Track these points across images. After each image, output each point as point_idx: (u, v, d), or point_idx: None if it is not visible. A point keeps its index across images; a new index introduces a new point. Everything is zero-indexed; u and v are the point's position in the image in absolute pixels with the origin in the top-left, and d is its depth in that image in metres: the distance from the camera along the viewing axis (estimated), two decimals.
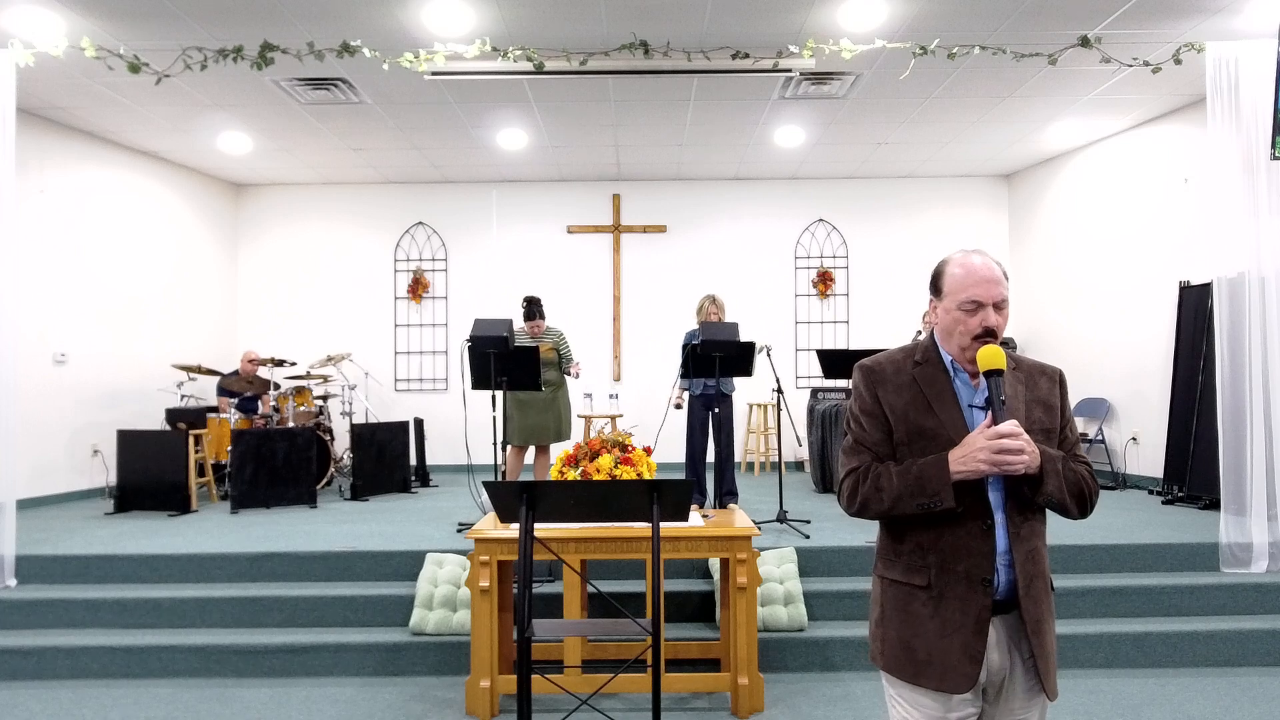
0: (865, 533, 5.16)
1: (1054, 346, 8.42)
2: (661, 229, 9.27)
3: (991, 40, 5.38)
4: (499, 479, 5.05)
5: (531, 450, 6.37)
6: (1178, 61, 5.21)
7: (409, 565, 4.77)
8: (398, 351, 9.29)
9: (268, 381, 7.48)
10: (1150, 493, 6.97)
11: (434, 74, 5.32)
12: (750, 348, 5.54)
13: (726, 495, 5.93)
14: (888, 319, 9.14)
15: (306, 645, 4.24)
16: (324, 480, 7.45)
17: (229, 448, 6.58)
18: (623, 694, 3.89)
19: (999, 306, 1.78)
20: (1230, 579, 4.59)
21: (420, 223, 9.32)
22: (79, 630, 4.44)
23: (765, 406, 8.70)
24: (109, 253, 7.61)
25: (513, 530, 3.64)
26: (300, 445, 6.64)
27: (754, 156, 8.32)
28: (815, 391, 7.66)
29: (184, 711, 3.78)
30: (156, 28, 5.13)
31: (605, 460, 3.77)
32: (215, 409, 7.52)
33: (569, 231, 9.29)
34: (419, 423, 8.37)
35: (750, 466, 8.86)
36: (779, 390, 5.82)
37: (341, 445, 8.36)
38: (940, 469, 1.74)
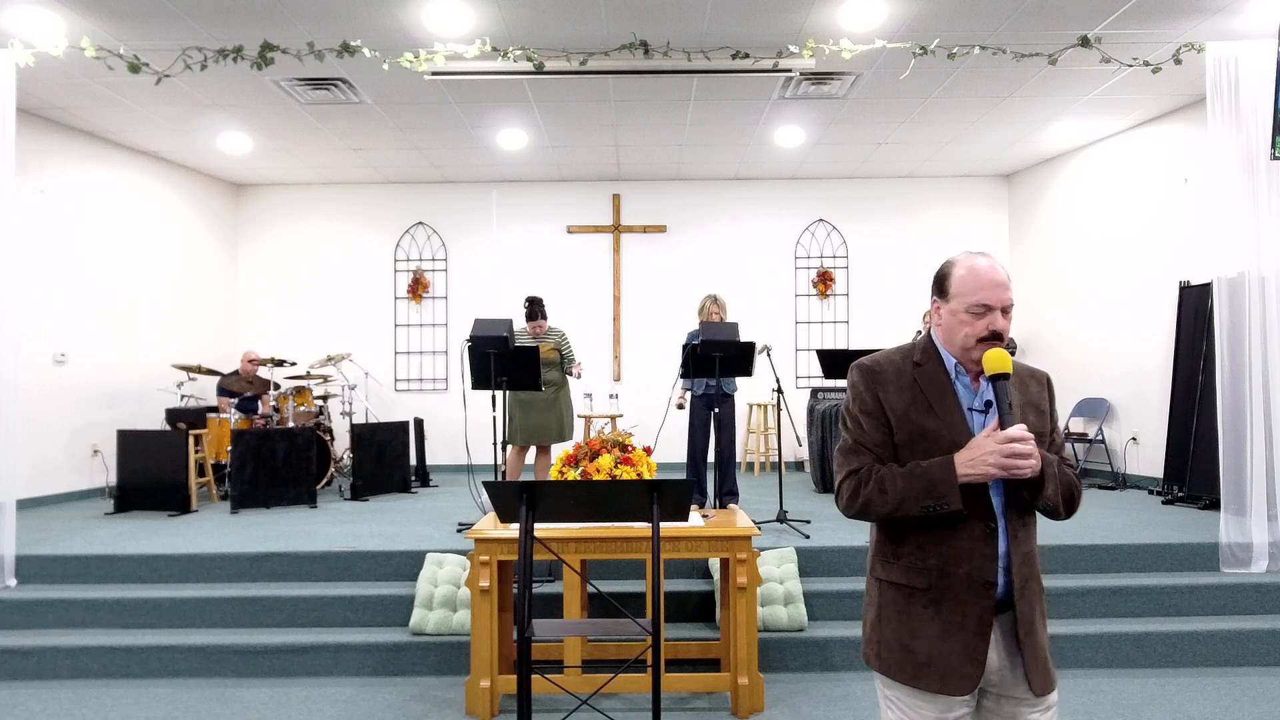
0: (865, 533, 5.15)
1: (1054, 346, 8.42)
2: (661, 229, 9.27)
3: (991, 40, 5.38)
4: (499, 479, 5.05)
5: (532, 450, 6.37)
6: (1178, 61, 5.21)
7: (409, 565, 4.77)
8: (398, 351, 9.29)
9: (268, 381, 7.48)
10: (1150, 493, 6.97)
11: (434, 74, 5.32)
12: (750, 348, 5.54)
13: (727, 495, 5.92)
14: (888, 319, 9.14)
15: (306, 645, 4.24)
16: (324, 480, 7.45)
17: (229, 448, 6.58)
18: (623, 694, 3.89)
19: (1005, 311, 1.79)
20: (1230, 579, 4.59)
21: (420, 223, 9.32)
22: (79, 630, 4.44)
23: (765, 406, 8.70)
24: (109, 253, 7.61)
25: (513, 530, 3.64)
26: (300, 445, 6.64)
27: (754, 156, 8.32)
28: (815, 391, 7.66)
29: (184, 711, 3.78)
30: (156, 28, 5.13)
31: (605, 460, 3.77)
32: (215, 409, 7.52)
33: (569, 231, 9.29)
34: (419, 423, 8.37)
35: (750, 466, 8.86)
36: (779, 390, 5.82)
37: (341, 445, 8.36)
38: (947, 471, 1.73)
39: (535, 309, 6.14)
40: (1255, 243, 4.88)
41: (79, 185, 7.29)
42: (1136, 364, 7.39)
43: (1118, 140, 7.60)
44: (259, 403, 7.79)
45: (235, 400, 7.55)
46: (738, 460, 8.53)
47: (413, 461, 7.94)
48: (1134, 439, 7.42)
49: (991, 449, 1.70)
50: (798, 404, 8.70)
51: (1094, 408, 7.78)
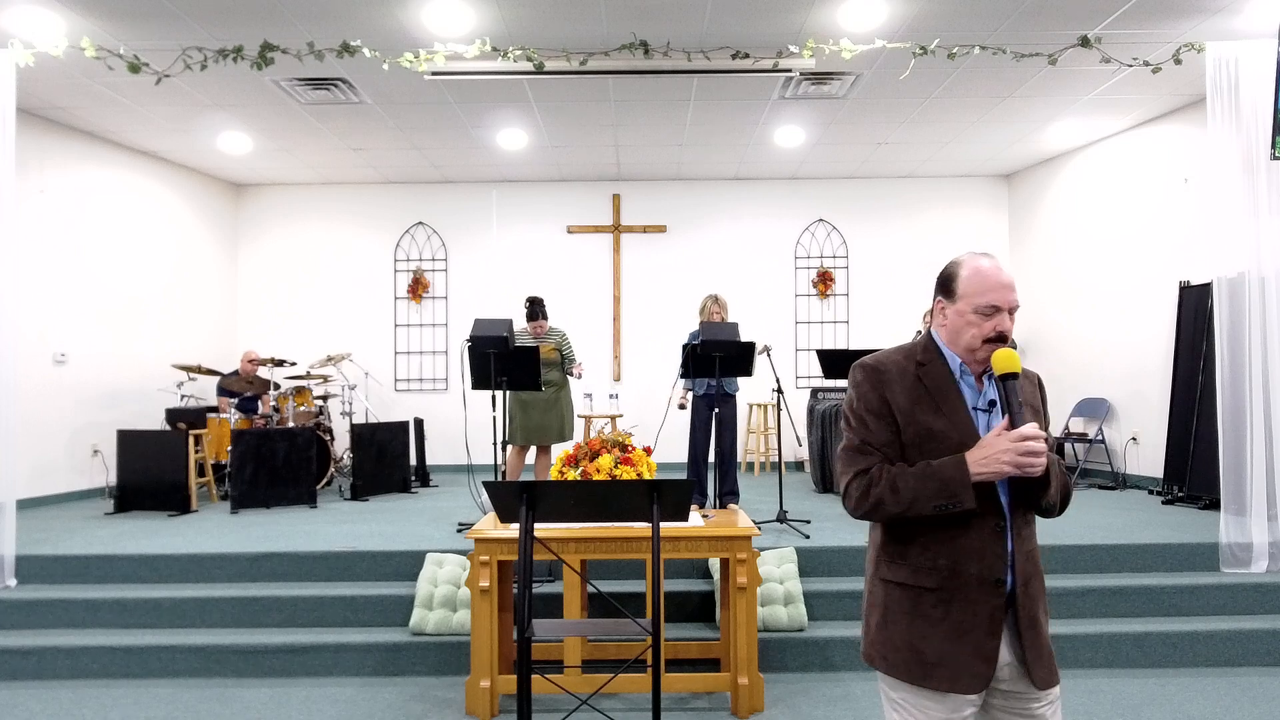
0: (865, 533, 5.15)
1: (1054, 346, 8.42)
2: (661, 229, 9.27)
3: (991, 40, 5.38)
4: (499, 479, 5.05)
5: (532, 450, 6.37)
6: (1178, 61, 5.21)
7: (409, 565, 4.77)
8: (398, 351, 9.29)
9: (268, 381, 7.48)
10: (1150, 493, 6.97)
11: (434, 74, 5.32)
12: (750, 348, 5.54)
13: (727, 495, 5.92)
14: (888, 319, 9.14)
15: (306, 645, 4.24)
16: (324, 480, 7.45)
17: (229, 448, 6.58)
18: (623, 694, 3.89)
19: (1011, 312, 1.82)
20: (1230, 579, 4.59)
21: (420, 223, 9.32)
22: (79, 630, 4.44)
23: (765, 406, 8.70)
24: (109, 253, 7.61)
25: (513, 530, 3.64)
26: (300, 445, 6.64)
27: (754, 156, 8.32)
28: (815, 391, 7.66)
29: (184, 711, 3.78)
30: (156, 28, 5.13)
31: (605, 460, 3.77)
32: (215, 409, 7.52)
33: (569, 231, 9.29)
34: (419, 423, 8.37)
35: (750, 466, 8.86)
36: (779, 390, 5.82)
37: (341, 445, 8.36)
38: (960, 470, 1.74)
39: (536, 309, 6.14)
40: (1255, 243, 4.88)
41: (79, 185, 7.29)
42: (1136, 364, 7.39)
43: (1118, 140, 7.60)
44: (259, 403, 7.79)
45: (235, 400, 7.55)
46: (738, 460, 8.54)
47: (413, 461, 7.94)
48: (1134, 439, 7.42)
49: (1005, 447, 1.71)
50: (798, 404, 8.70)
51: (1094, 408, 7.78)
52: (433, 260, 9.31)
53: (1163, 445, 6.84)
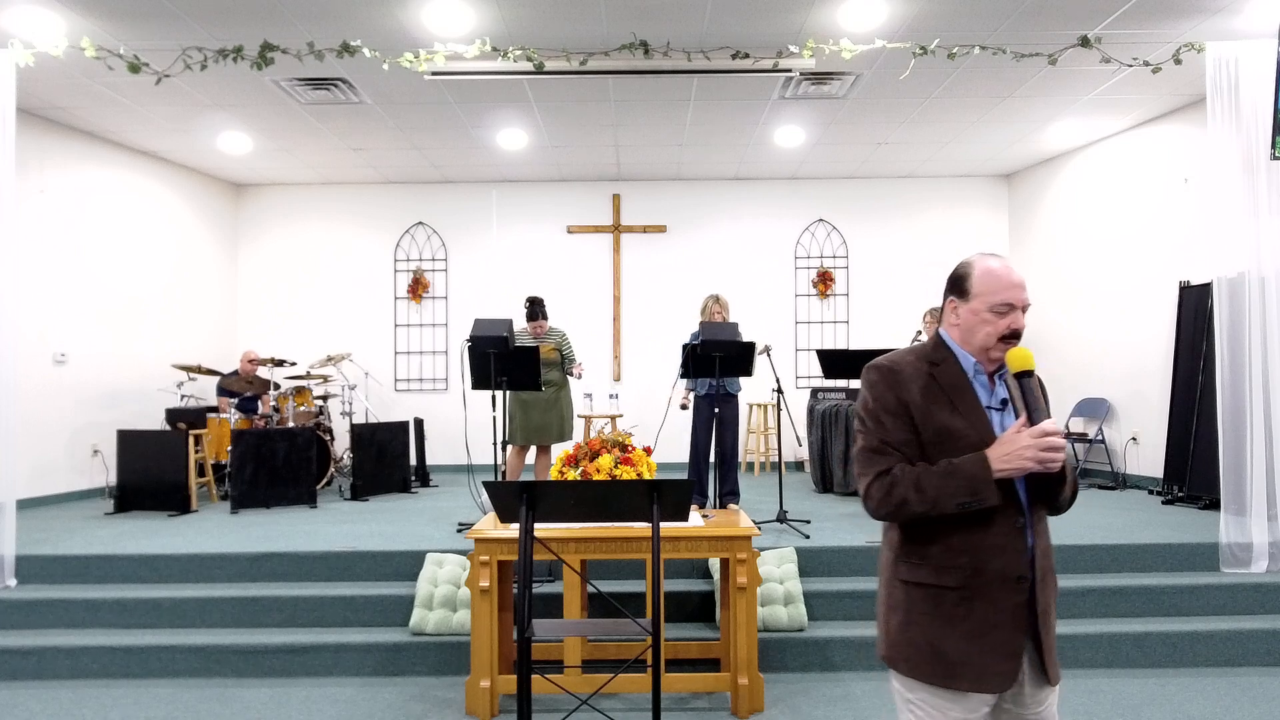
0: (865, 533, 5.16)
1: (1054, 346, 8.42)
2: (661, 229, 9.27)
3: (991, 40, 5.38)
4: (499, 479, 5.05)
5: (532, 450, 6.37)
6: (1178, 61, 5.21)
7: (409, 565, 4.77)
8: (398, 351, 9.29)
9: (268, 381, 7.48)
10: (1150, 493, 6.97)
11: (434, 74, 5.32)
12: (750, 348, 5.54)
13: (728, 495, 5.92)
14: (888, 319, 9.14)
15: (306, 645, 4.24)
16: (324, 480, 7.45)
17: (229, 448, 6.58)
18: (623, 694, 3.89)
19: (1024, 310, 1.85)
20: (1230, 579, 4.59)
21: (420, 223, 9.32)
22: (79, 630, 4.44)
23: (765, 406, 8.71)
24: (109, 253, 7.61)
25: (513, 530, 3.64)
26: (300, 445, 6.64)
27: (754, 156, 8.32)
28: (815, 391, 7.66)
29: (184, 711, 3.78)
30: (156, 28, 5.13)
31: (605, 460, 3.77)
32: (215, 409, 7.52)
33: (569, 231, 9.29)
34: (419, 423, 8.37)
35: (750, 466, 8.86)
36: (779, 390, 5.82)
37: (341, 445, 8.36)
38: (983, 467, 1.75)
39: (536, 309, 6.14)
40: (1255, 243, 4.88)
41: (79, 185, 7.29)
42: (1136, 364, 7.39)
43: (1118, 140, 7.60)
44: (259, 403, 7.78)
45: (235, 400, 7.55)
46: (738, 460, 8.54)
47: (413, 461, 7.94)
48: (1134, 439, 7.43)
49: (1027, 443, 1.73)
50: (798, 404, 8.69)
51: (1094, 408, 7.78)
52: (433, 260, 9.31)
53: (1163, 445, 6.84)
